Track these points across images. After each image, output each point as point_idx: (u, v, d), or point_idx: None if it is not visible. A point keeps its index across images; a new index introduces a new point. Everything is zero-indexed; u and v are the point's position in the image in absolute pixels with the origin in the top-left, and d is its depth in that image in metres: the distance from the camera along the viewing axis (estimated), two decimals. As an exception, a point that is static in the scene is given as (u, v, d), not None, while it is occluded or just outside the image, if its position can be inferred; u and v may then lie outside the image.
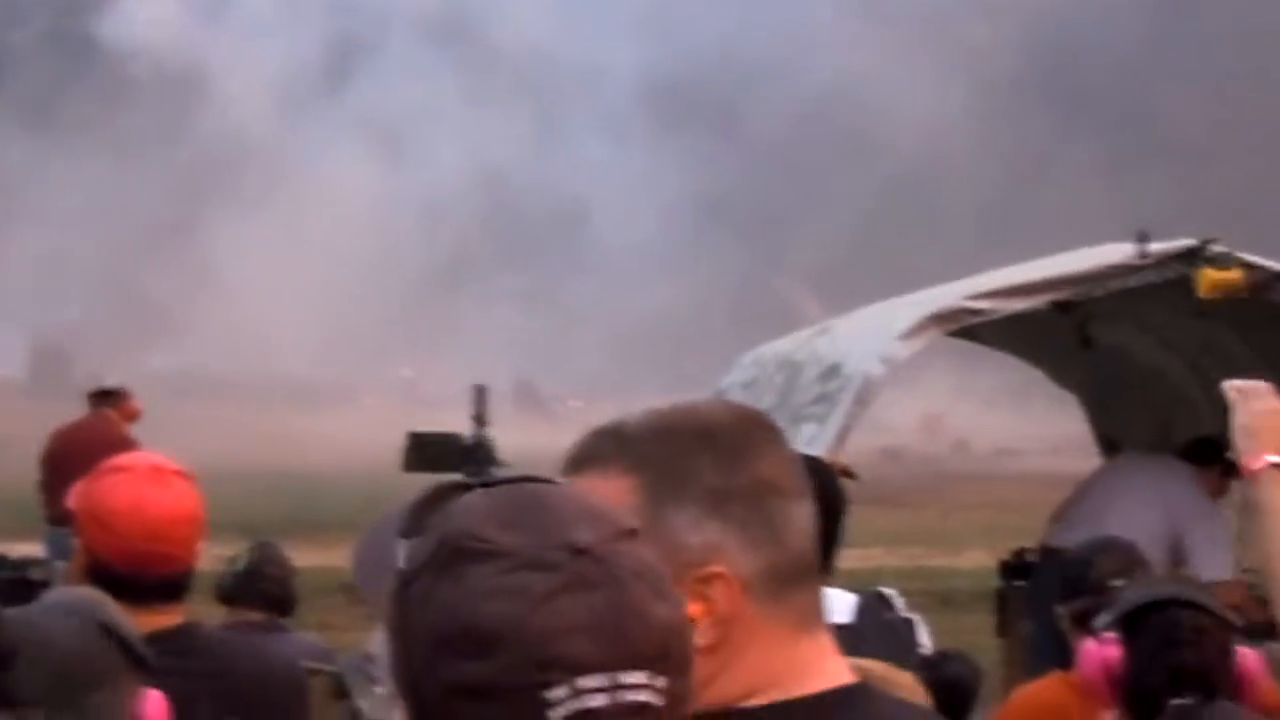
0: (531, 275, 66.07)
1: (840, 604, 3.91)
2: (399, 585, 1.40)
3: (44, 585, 3.62)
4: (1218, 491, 8.77)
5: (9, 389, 47.27)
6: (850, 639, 3.67)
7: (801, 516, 1.83)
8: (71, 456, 9.93)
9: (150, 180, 60.33)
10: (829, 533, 4.10)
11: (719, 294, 59.78)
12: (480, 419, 10.06)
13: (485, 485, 1.47)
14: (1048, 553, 8.68)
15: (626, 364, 56.27)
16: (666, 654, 1.35)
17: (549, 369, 59.70)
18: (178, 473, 3.25)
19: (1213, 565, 8.32)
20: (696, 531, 1.76)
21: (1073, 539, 8.39)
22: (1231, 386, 3.29)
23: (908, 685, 3.29)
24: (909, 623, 4.13)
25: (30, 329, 52.90)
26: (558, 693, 1.31)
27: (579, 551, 1.36)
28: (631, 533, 1.41)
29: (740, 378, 9.67)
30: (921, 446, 45.51)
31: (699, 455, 1.80)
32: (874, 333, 8.08)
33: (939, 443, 47.71)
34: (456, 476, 1.55)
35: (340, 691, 7.23)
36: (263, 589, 6.59)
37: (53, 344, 51.78)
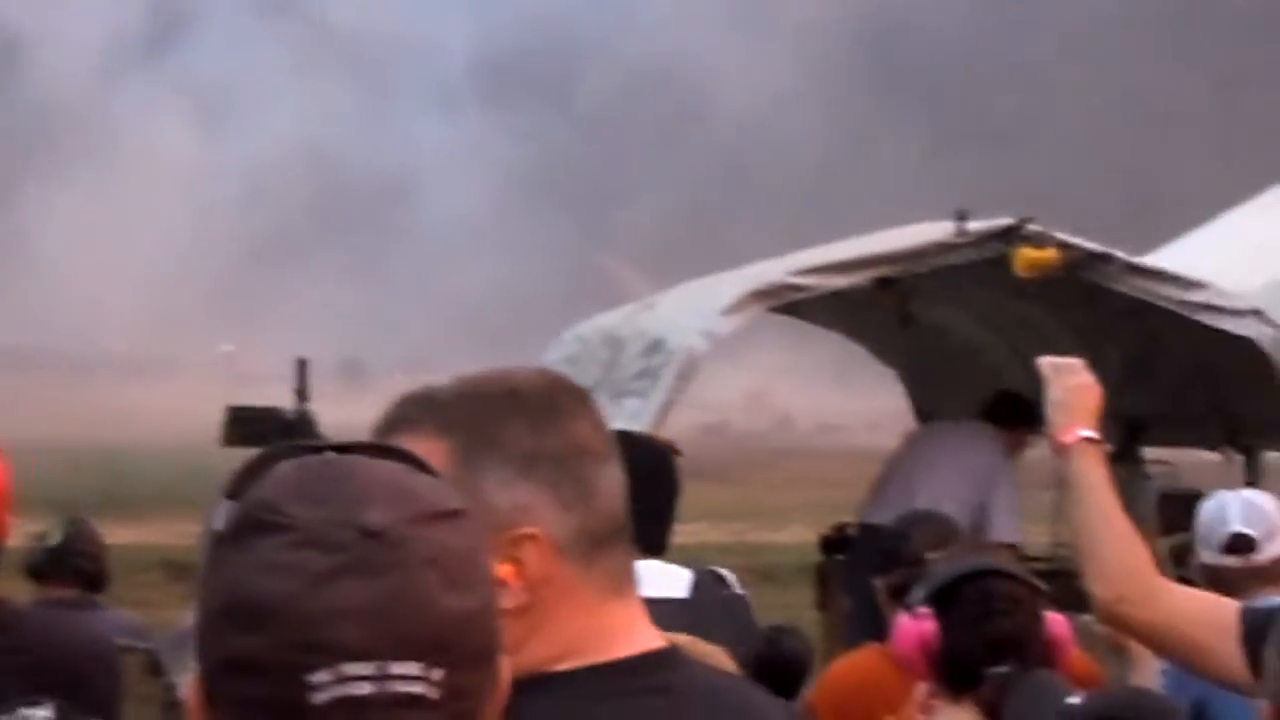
0: (358, 249, 65.33)
1: (677, 579, 3.92)
2: (207, 549, 1.37)
3: None
4: (1016, 449, 8.92)
5: None
6: (689, 614, 3.70)
7: (611, 478, 1.85)
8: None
9: (-37, 148, 58.74)
10: (665, 510, 4.12)
11: (547, 269, 59.74)
12: (302, 393, 9.92)
13: (314, 452, 1.43)
14: (864, 529, 8.78)
15: (453, 339, 56.07)
16: (447, 646, 1.31)
17: (374, 344, 59.19)
18: (-18, 444, 3.17)
19: (1007, 530, 8.47)
20: (507, 493, 1.78)
21: (888, 514, 8.52)
22: (1046, 363, 3.35)
23: (715, 658, 3.31)
24: (744, 600, 4.15)
25: None
26: (321, 676, 1.28)
27: (370, 534, 1.32)
28: (444, 515, 1.36)
29: (563, 353, 9.66)
30: (745, 422, 45.84)
31: (509, 418, 1.82)
32: (697, 308, 8.10)
33: (762, 418, 48.12)
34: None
35: (156, 669, 7.12)
36: (76, 565, 6.46)
37: None
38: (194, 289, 57.83)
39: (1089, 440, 3.22)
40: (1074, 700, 2.95)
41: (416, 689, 1.30)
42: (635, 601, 1.87)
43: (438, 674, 1.31)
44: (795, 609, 9.24)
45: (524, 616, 1.67)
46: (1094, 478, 3.19)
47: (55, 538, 6.50)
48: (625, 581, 1.86)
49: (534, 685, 1.45)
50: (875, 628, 6.26)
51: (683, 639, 3.32)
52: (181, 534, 18.79)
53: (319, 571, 1.30)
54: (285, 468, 1.39)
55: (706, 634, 3.47)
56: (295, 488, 1.36)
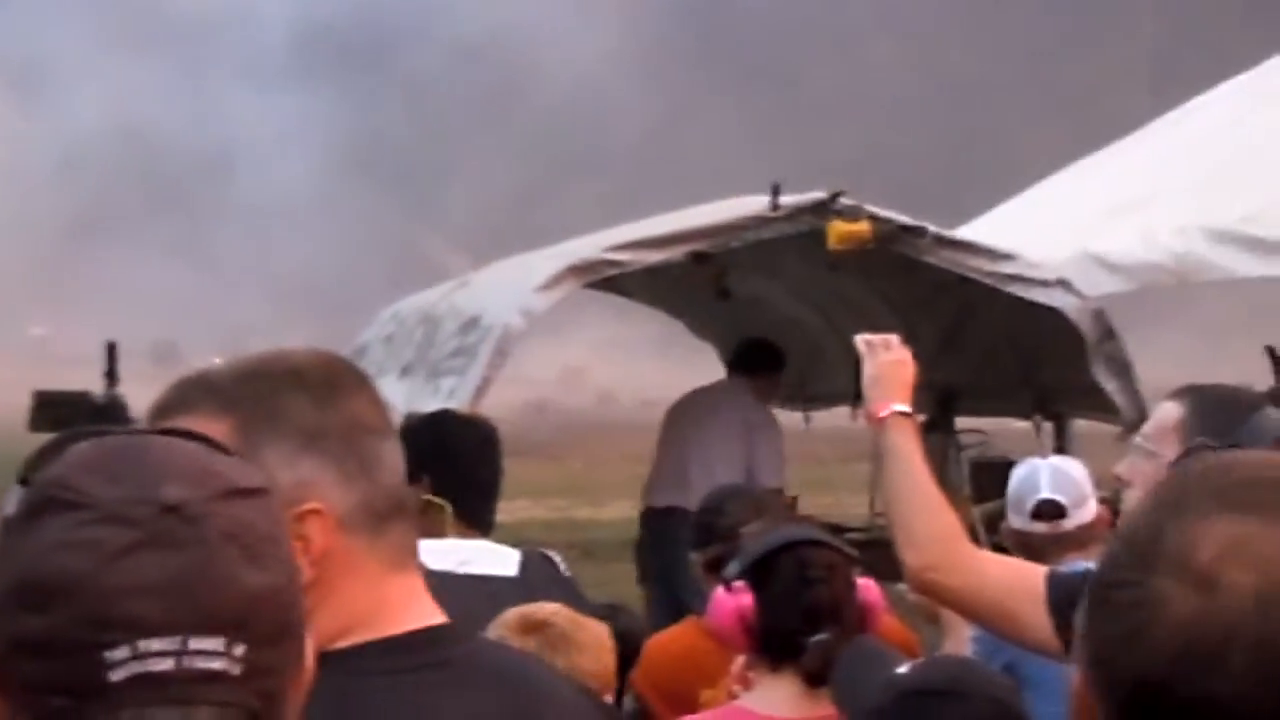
0: (175, 227, 64.13)
1: (506, 558, 3.92)
2: (0, 534, 1.34)
3: None
4: (769, 395, 9.14)
5: None
6: (520, 591, 3.68)
7: (392, 454, 1.88)
8: None
9: None
10: (491, 487, 4.12)
11: (369, 247, 59.23)
12: (111, 377, 9.70)
13: (109, 434, 1.41)
14: (648, 513, 8.94)
15: (271, 319, 55.51)
16: (248, 621, 1.29)
17: (191, 324, 58.28)
18: None
19: (771, 474, 8.66)
20: (290, 469, 1.79)
21: (668, 495, 8.69)
22: (862, 340, 3.41)
23: (589, 628, 3.29)
24: (573, 582, 4.15)
25: None
26: (118, 654, 1.26)
27: (168, 509, 1.29)
28: (244, 492, 1.35)
29: (380, 332, 9.59)
30: (565, 398, 45.88)
31: (290, 394, 1.84)
32: (513, 285, 8.08)
33: (582, 394, 48.23)
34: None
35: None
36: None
37: None
38: (4, 269, 56.50)
39: (902, 414, 3.27)
40: (901, 670, 2.94)
41: (217, 665, 1.28)
42: (416, 576, 1.89)
43: (239, 650, 1.29)
44: (617, 584, 9.27)
45: (309, 592, 1.67)
46: (906, 449, 3.25)
47: None
48: (407, 556, 1.88)
49: (316, 662, 1.44)
50: (674, 607, 6.34)
51: (554, 608, 3.30)
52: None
53: (116, 547, 1.27)
54: (81, 448, 1.37)
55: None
56: (91, 466, 1.33)
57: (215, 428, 1.71)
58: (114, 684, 1.25)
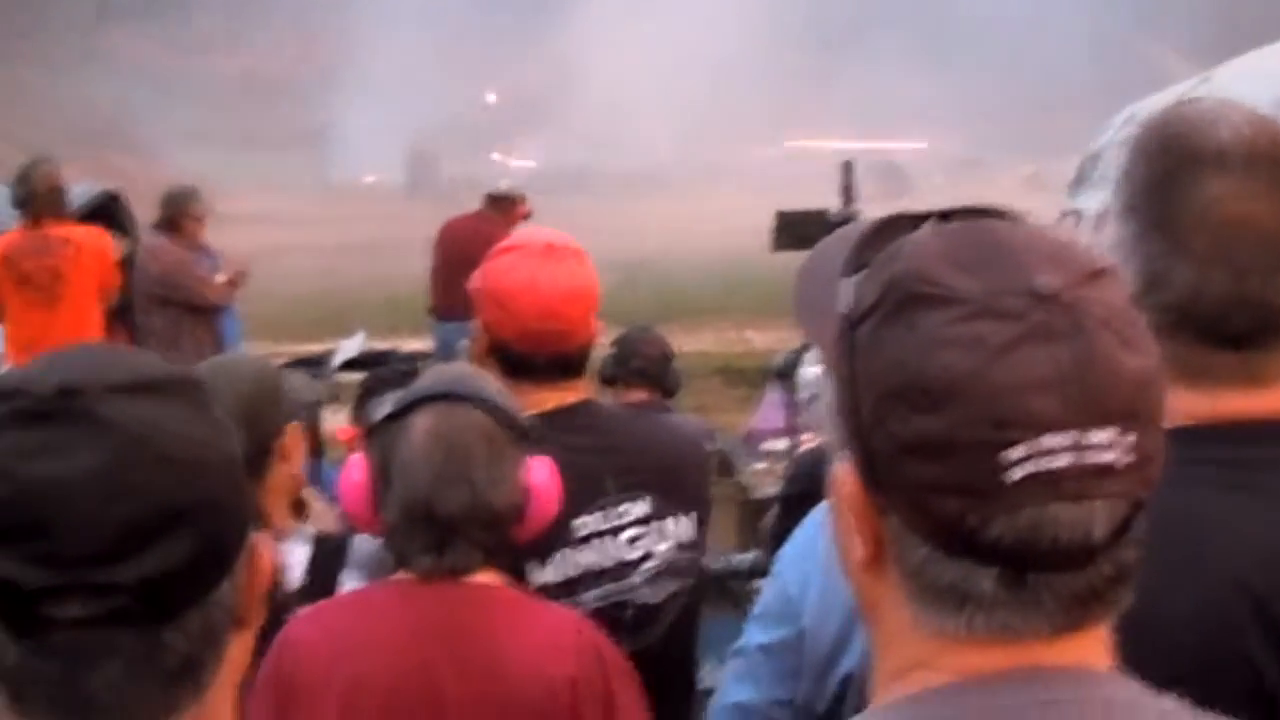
0: (908, 39, 63.58)
1: None
2: (844, 328, 1.31)
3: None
4: None
5: (389, 193, 48.71)
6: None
7: None
8: (461, 250, 10.11)
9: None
10: None
11: (1093, 52, 57.61)
12: (848, 194, 9.87)
13: (940, 217, 1.37)
14: None
15: (987, 133, 55.19)
16: (1135, 410, 1.24)
17: (920, 140, 58.23)
18: (571, 250, 3.23)
19: None
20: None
21: None
22: None
23: None
24: None
25: (403, 132, 53.96)
26: (1017, 452, 1.22)
27: (1042, 298, 1.24)
28: (1100, 273, 1.28)
29: (1116, 137, 9.34)
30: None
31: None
32: (1263, 73, 7.67)
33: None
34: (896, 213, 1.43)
35: (724, 468, 7.36)
36: (638, 367, 6.68)
37: (425, 146, 52.87)
38: (730, 95, 58.38)
39: None
40: None
41: (1110, 456, 1.23)
42: None
43: (1129, 439, 1.24)
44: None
45: None
46: None
47: (619, 344, 6.76)
48: None
49: None
50: None
51: None
52: (734, 340, 19.25)
53: (999, 342, 1.23)
54: (922, 238, 1.33)
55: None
56: (947, 256, 1.29)
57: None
58: (1011, 483, 1.22)
